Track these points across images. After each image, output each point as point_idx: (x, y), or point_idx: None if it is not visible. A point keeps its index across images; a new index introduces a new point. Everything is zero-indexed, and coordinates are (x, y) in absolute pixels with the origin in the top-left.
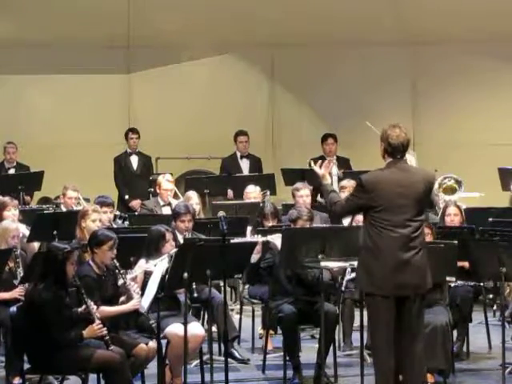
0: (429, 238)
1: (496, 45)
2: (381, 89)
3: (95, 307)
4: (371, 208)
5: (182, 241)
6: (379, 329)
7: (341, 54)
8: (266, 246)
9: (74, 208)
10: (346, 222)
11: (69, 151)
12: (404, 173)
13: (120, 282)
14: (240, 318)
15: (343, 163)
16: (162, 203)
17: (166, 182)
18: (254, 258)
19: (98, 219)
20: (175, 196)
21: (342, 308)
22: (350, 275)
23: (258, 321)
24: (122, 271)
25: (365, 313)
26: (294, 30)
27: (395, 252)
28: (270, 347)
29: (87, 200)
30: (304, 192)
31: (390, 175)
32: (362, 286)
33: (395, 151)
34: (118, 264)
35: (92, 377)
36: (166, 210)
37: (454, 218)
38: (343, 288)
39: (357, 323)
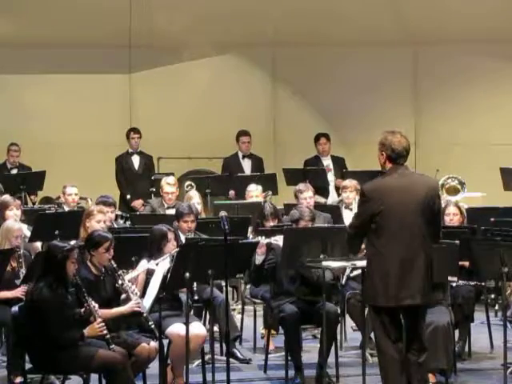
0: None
1: (498, 45)
2: (382, 89)
3: (96, 305)
4: (374, 216)
5: (184, 241)
6: (380, 330)
7: (343, 54)
8: (269, 246)
9: (76, 206)
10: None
11: (70, 151)
12: (405, 179)
13: (118, 283)
14: (242, 318)
15: (338, 162)
16: (166, 205)
17: (166, 185)
18: (259, 259)
19: (102, 220)
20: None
21: (348, 309)
22: (349, 272)
23: (260, 320)
24: (119, 272)
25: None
26: (296, 30)
27: (396, 260)
28: (271, 347)
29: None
30: (307, 194)
31: (390, 181)
32: (365, 298)
33: (399, 157)
34: (115, 265)
35: (94, 377)
36: (171, 212)
37: (453, 218)
38: (343, 282)
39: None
